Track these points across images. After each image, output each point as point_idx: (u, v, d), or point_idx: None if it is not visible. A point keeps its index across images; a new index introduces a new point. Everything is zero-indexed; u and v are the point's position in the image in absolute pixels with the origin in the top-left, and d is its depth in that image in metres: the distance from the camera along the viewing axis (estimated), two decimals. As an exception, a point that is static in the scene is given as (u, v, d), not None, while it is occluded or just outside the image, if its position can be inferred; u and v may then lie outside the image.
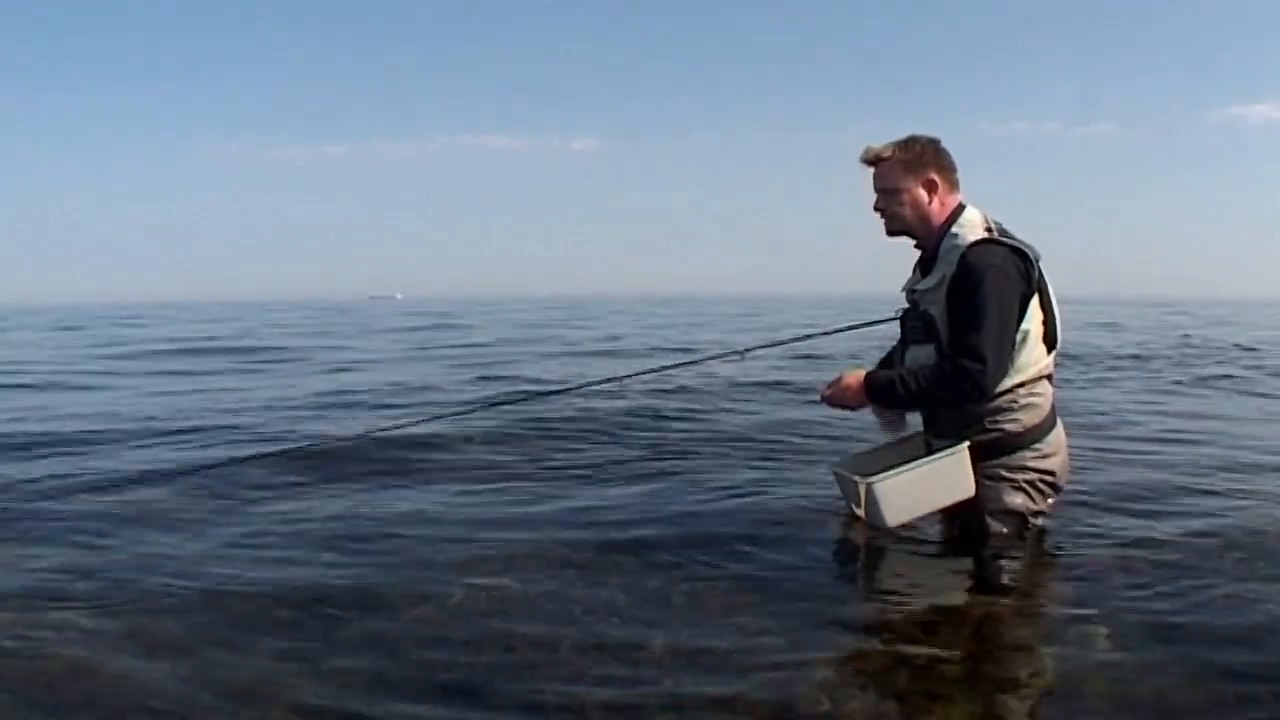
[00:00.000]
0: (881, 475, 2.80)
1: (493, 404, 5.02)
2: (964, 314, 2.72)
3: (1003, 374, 2.76)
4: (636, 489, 3.75)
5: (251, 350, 13.46)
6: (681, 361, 4.32)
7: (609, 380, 4.36)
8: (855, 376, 2.93)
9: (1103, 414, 5.84)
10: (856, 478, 2.85)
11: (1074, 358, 9.75)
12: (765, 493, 3.66)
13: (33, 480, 3.93)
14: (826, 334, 3.60)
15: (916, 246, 3.00)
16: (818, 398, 3.02)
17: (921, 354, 2.88)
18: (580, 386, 4.42)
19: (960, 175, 2.91)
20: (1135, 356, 10.83)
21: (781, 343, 3.72)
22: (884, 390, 2.86)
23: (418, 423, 4.41)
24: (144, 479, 3.89)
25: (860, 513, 2.92)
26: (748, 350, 3.41)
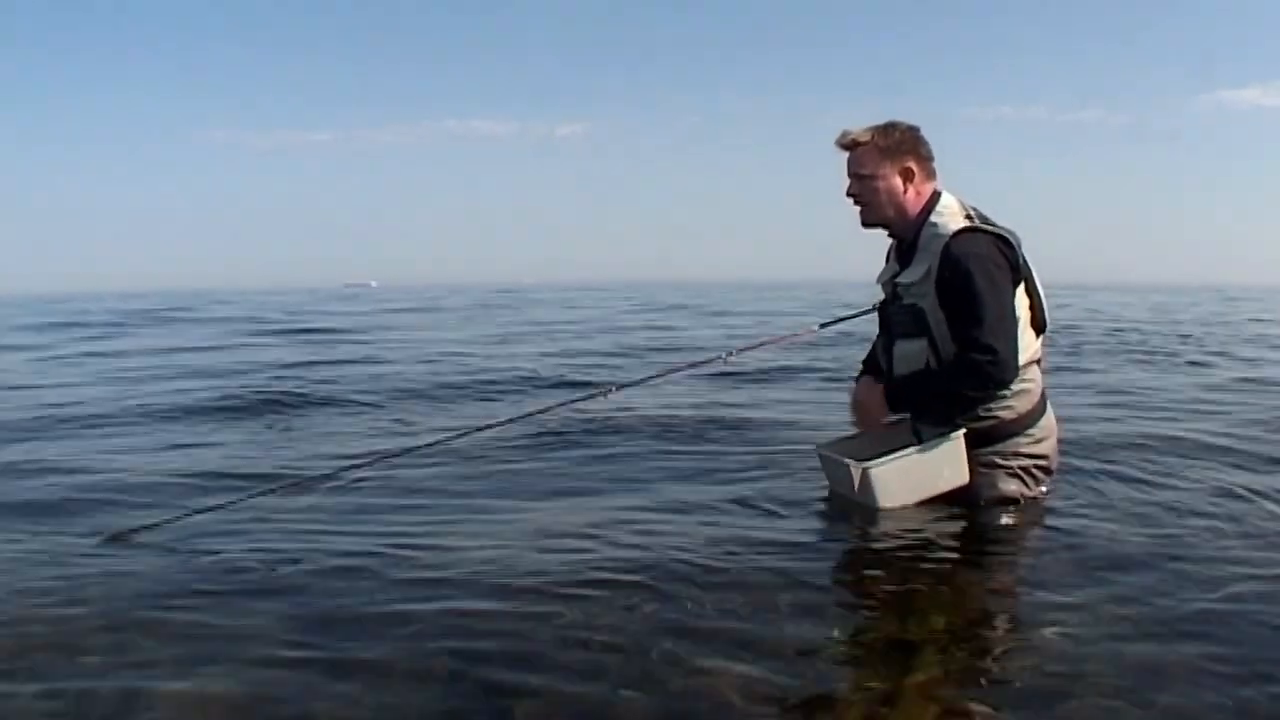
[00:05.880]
0: (877, 460, 2.75)
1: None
2: (961, 309, 2.68)
3: (1015, 358, 2.71)
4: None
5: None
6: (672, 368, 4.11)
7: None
8: (874, 395, 2.88)
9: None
10: (850, 461, 2.79)
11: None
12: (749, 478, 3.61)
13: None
14: (810, 332, 3.47)
15: (891, 235, 2.93)
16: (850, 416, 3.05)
17: (913, 348, 2.81)
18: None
19: (944, 161, 2.85)
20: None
21: (765, 343, 3.69)
22: (906, 399, 2.83)
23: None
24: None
25: (848, 494, 2.85)
26: (731, 353, 3.34)
